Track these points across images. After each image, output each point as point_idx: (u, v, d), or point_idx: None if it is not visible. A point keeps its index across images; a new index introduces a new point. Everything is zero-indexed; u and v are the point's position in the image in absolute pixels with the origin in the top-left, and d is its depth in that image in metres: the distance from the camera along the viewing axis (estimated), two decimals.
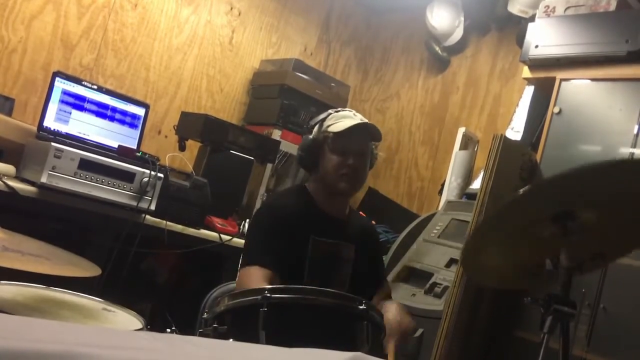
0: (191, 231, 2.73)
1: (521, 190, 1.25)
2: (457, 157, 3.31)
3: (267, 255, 1.78)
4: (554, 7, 2.69)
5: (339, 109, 2.00)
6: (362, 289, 1.86)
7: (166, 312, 2.88)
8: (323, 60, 4.23)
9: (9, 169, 2.42)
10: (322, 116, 1.98)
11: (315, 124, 1.97)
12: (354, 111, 1.99)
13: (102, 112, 2.71)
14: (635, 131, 2.30)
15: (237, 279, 1.82)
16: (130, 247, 2.50)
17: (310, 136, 1.95)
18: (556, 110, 2.55)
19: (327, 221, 1.93)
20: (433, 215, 2.98)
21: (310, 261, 1.83)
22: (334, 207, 1.97)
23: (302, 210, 1.91)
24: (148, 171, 2.52)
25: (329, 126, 1.91)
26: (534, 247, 1.35)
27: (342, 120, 1.91)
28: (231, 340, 1.36)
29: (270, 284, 1.71)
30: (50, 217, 2.47)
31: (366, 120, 1.92)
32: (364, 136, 1.92)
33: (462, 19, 3.70)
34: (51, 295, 1.52)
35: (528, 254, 1.39)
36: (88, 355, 0.63)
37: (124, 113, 2.78)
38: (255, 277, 1.74)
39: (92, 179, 2.40)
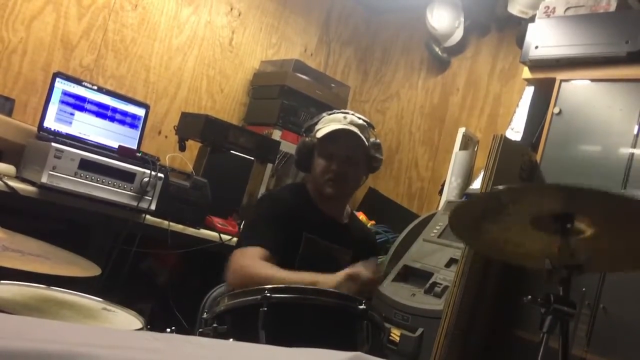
0: (191, 231, 2.74)
1: (511, 186, 1.26)
2: (457, 157, 3.31)
3: (264, 238, 1.77)
4: (554, 8, 2.69)
5: (334, 111, 1.99)
6: None
7: (174, 311, 2.87)
8: (323, 61, 4.23)
9: (9, 169, 2.43)
10: (315, 119, 1.99)
11: (309, 127, 1.98)
12: (350, 113, 1.96)
13: (103, 112, 2.72)
14: (635, 131, 2.29)
15: (232, 258, 1.77)
16: (130, 247, 2.50)
17: (303, 140, 1.96)
18: (556, 110, 2.55)
19: (324, 222, 1.93)
20: (433, 215, 2.98)
21: (300, 258, 1.83)
22: (331, 209, 1.96)
23: (300, 207, 1.91)
24: (148, 171, 2.53)
25: (317, 130, 1.92)
26: (535, 240, 1.35)
27: (329, 124, 1.91)
28: (231, 340, 1.36)
29: (268, 262, 1.70)
30: (50, 217, 2.47)
31: (348, 127, 1.88)
32: (350, 141, 1.89)
33: (462, 19, 3.70)
34: (51, 295, 1.52)
35: (528, 243, 1.39)
36: (88, 355, 0.63)
37: (124, 113, 2.78)
38: (250, 255, 1.71)
39: (92, 179, 2.40)
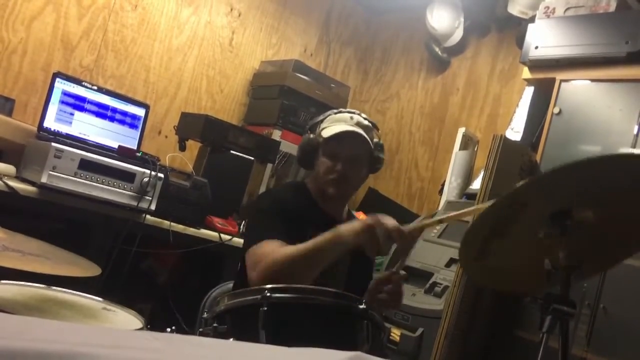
0: (191, 231, 2.73)
1: (507, 193, 1.25)
2: (457, 157, 3.31)
3: (274, 230, 1.73)
4: (554, 8, 2.69)
5: (340, 110, 1.98)
6: (355, 291, 1.85)
7: (174, 311, 2.88)
8: (323, 61, 4.23)
9: (9, 169, 2.43)
10: (320, 117, 1.97)
11: (314, 125, 1.97)
12: (356, 112, 1.95)
13: (102, 112, 2.72)
14: (635, 131, 2.30)
15: (247, 258, 1.72)
16: (130, 247, 2.51)
17: (308, 136, 1.95)
18: (556, 110, 2.55)
19: (325, 220, 1.92)
20: (433, 215, 2.98)
21: None
22: (332, 208, 1.96)
23: (301, 206, 1.89)
24: (148, 171, 2.53)
25: (322, 129, 1.91)
26: (534, 246, 1.35)
27: (335, 124, 1.89)
28: (231, 339, 1.36)
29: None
30: (50, 217, 2.47)
31: (356, 129, 1.86)
32: (356, 142, 1.88)
33: (462, 19, 3.70)
34: (51, 294, 1.52)
35: (528, 254, 1.39)
36: (88, 355, 0.63)
37: (124, 113, 2.78)
38: (271, 248, 1.67)
39: (92, 179, 2.40)
